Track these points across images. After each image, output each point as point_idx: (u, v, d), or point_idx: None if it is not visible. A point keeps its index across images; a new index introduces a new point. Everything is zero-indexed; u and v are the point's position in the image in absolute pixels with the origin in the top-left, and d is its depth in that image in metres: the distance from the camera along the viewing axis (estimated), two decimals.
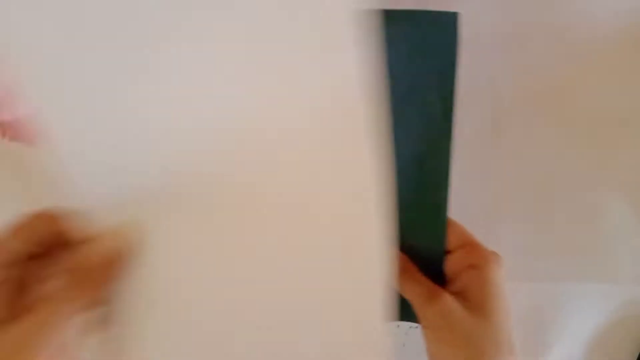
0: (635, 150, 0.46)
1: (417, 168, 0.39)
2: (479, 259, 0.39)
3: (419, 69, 0.38)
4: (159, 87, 0.22)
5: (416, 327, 0.44)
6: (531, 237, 0.46)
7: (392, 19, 0.36)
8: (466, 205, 0.45)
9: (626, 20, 0.47)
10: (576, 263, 0.46)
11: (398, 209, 0.35)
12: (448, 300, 0.38)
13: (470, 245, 0.39)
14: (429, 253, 0.39)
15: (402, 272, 0.40)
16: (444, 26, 0.38)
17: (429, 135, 0.39)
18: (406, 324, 0.46)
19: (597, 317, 0.46)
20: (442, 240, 0.40)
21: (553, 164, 0.46)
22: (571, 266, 0.46)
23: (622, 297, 0.46)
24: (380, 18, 0.35)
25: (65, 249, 0.29)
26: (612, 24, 0.47)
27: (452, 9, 0.46)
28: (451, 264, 0.40)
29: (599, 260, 0.46)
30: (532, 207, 0.46)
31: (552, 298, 0.46)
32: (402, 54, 0.37)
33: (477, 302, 0.38)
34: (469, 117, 0.47)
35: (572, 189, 0.46)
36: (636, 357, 0.46)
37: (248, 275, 0.27)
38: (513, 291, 0.46)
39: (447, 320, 0.38)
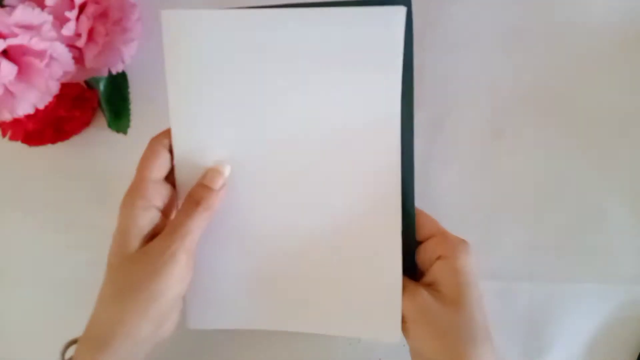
0: (635, 150, 0.46)
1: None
2: (448, 249, 0.38)
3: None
4: (296, 107, 0.38)
5: None
6: (531, 237, 0.46)
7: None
8: (466, 205, 0.45)
9: (626, 20, 0.47)
10: (576, 263, 0.46)
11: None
12: (424, 295, 0.38)
13: (440, 235, 0.39)
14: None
15: None
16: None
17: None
18: None
19: (597, 317, 0.46)
20: (412, 233, 0.40)
21: (553, 164, 0.46)
22: (571, 266, 0.46)
23: (622, 297, 0.46)
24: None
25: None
26: (612, 24, 0.47)
27: (452, 9, 0.47)
28: (422, 256, 0.40)
29: (599, 260, 0.46)
30: (532, 207, 0.46)
31: (552, 298, 0.46)
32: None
33: (449, 293, 0.38)
34: (469, 117, 0.47)
35: (572, 189, 0.46)
36: (636, 357, 0.46)
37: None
38: (513, 291, 0.46)
39: (424, 314, 0.38)
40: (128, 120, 0.47)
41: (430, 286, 0.39)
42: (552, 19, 0.47)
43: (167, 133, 0.39)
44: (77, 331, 0.46)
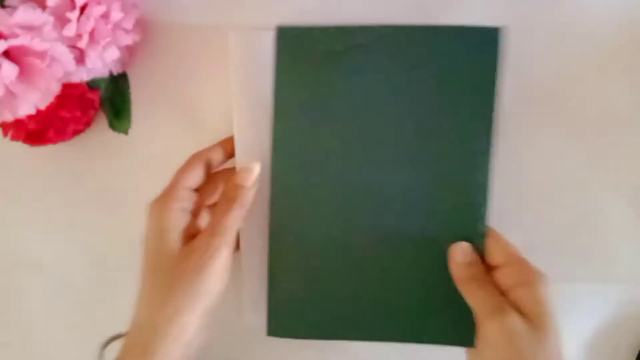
0: (636, 150, 0.46)
1: (456, 181, 0.42)
2: (529, 275, 0.38)
3: (458, 86, 0.40)
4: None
5: None
6: (531, 237, 0.46)
7: (432, 34, 0.41)
8: None
9: (626, 20, 0.47)
10: (576, 263, 0.46)
11: (441, 222, 0.42)
12: (513, 316, 0.37)
13: (519, 262, 0.39)
14: None
15: (475, 279, 0.40)
16: (483, 41, 0.40)
17: (469, 149, 0.42)
18: None
19: (596, 317, 0.46)
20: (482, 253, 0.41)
21: (553, 164, 0.46)
22: (571, 266, 0.46)
23: (621, 297, 0.46)
24: (425, 33, 0.41)
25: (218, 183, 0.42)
26: (612, 24, 0.47)
27: (452, 10, 0.46)
28: (500, 280, 0.40)
29: (599, 260, 0.46)
30: (532, 207, 0.46)
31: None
32: (441, 70, 0.41)
33: (534, 319, 0.37)
34: None
35: (572, 189, 0.46)
36: (635, 357, 0.46)
37: None
38: None
39: (509, 336, 0.37)
40: (129, 121, 0.47)
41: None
42: (552, 19, 0.47)
43: (208, 151, 0.42)
44: (78, 331, 0.46)
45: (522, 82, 0.47)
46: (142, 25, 0.45)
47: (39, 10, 0.36)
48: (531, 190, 0.46)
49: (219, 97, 0.47)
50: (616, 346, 0.46)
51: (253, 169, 0.41)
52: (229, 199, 0.40)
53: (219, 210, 0.39)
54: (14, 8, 0.36)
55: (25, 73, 0.37)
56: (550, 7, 0.47)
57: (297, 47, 0.41)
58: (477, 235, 0.41)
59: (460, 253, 0.41)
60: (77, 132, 0.46)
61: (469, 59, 0.40)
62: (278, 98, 0.41)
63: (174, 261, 0.37)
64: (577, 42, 0.47)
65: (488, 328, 0.38)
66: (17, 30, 0.36)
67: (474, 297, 0.39)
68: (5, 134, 0.44)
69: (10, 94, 0.37)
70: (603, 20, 0.47)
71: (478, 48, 0.40)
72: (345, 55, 0.41)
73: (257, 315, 0.44)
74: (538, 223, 0.46)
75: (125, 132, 0.47)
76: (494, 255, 0.41)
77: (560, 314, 0.46)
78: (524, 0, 0.47)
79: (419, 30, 0.41)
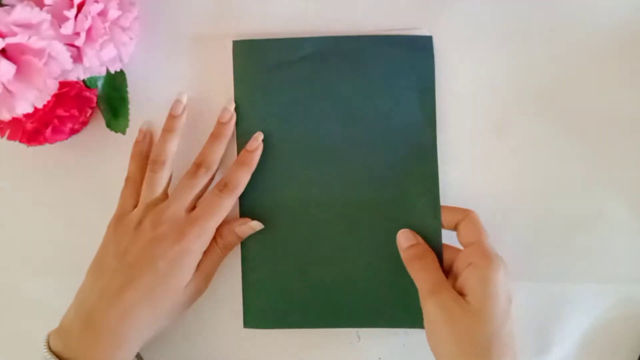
0: (635, 150, 0.46)
1: (408, 175, 0.45)
2: (480, 257, 0.39)
3: (402, 88, 0.45)
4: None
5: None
6: (531, 237, 0.46)
7: (374, 44, 0.46)
8: (466, 205, 0.45)
9: (626, 19, 0.47)
10: (576, 263, 0.46)
11: (398, 211, 0.45)
12: (450, 294, 0.39)
13: (478, 244, 0.40)
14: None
15: (418, 258, 0.42)
16: (421, 48, 0.46)
17: (416, 144, 0.45)
18: None
19: (596, 317, 0.46)
20: (438, 238, 0.44)
21: (553, 163, 0.46)
22: (571, 266, 0.46)
23: (621, 297, 0.46)
24: (364, 42, 0.45)
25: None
26: (612, 24, 0.47)
27: (452, 10, 0.46)
28: (458, 261, 0.41)
29: (598, 260, 0.46)
30: (532, 207, 0.46)
31: (552, 298, 0.46)
32: (386, 75, 0.45)
33: (475, 302, 0.38)
34: (469, 117, 0.46)
35: (572, 189, 0.46)
36: (636, 357, 0.46)
37: None
38: (513, 291, 0.46)
39: (445, 314, 0.38)
40: (126, 120, 0.46)
41: (460, 292, 0.39)
42: (553, 19, 0.47)
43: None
44: None
45: (522, 82, 0.47)
46: (140, 23, 0.44)
47: (36, 9, 0.36)
48: (531, 190, 0.46)
49: (216, 96, 0.46)
50: (616, 346, 0.46)
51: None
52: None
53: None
54: (12, 6, 0.35)
55: (22, 71, 0.37)
56: (550, 7, 0.47)
57: (251, 58, 0.46)
58: (431, 221, 0.44)
59: (404, 239, 0.44)
60: (74, 132, 0.46)
61: (410, 63, 0.45)
62: (238, 105, 0.46)
63: None
64: (576, 42, 0.47)
65: (428, 306, 0.40)
66: (15, 29, 0.35)
67: (418, 277, 0.42)
68: (2, 134, 0.43)
69: (7, 92, 0.37)
70: (603, 20, 0.47)
71: (417, 53, 0.45)
72: (295, 64, 0.45)
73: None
74: (538, 223, 0.46)
75: (123, 131, 0.46)
76: (463, 235, 0.42)
77: (560, 314, 0.46)
78: (524, 0, 0.47)
79: (362, 39, 0.45)
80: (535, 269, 0.46)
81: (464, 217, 0.42)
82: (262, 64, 0.46)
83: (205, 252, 0.43)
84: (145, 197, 0.43)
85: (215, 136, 0.45)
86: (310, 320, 0.45)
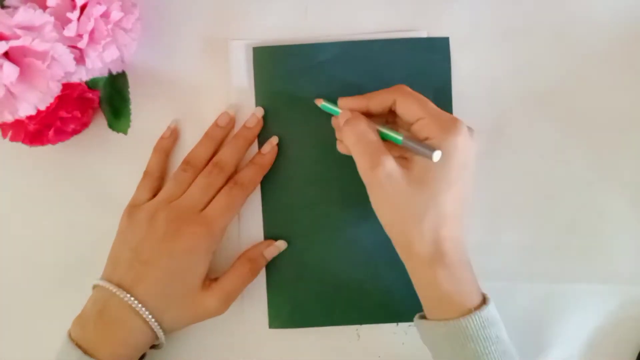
0: (636, 151, 0.47)
1: None
2: (434, 130, 0.38)
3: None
4: None
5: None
6: (531, 237, 0.46)
7: (391, 47, 0.46)
8: (467, 205, 0.45)
9: (626, 19, 0.47)
10: (576, 263, 0.46)
11: None
12: (390, 164, 0.38)
13: (428, 117, 0.39)
14: None
15: (354, 125, 0.40)
16: (438, 50, 0.46)
17: None
18: (405, 323, 0.46)
19: (596, 317, 0.46)
20: None
21: (553, 163, 0.47)
22: (571, 266, 0.46)
23: (621, 297, 0.46)
24: (381, 46, 0.46)
25: None
26: (612, 24, 0.47)
27: (452, 10, 0.47)
28: (412, 134, 0.40)
29: (598, 261, 0.46)
30: (532, 207, 0.47)
31: (552, 298, 0.46)
32: (404, 77, 0.45)
33: (417, 171, 0.38)
34: (469, 117, 0.46)
35: (572, 189, 0.47)
36: (635, 357, 0.46)
37: None
38: (513, 291, 0.46)
39: (389, 183, 0.38)
40: (128, 121, 0.47)
41: (405, 161, 0.40)
42: (553, 19, 0.47)
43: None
44: None
45: (523, 82, 0.47)
46: (142, 24, 0.44)
47: (39, 11, 0.36)
48: (531, 190, 0.47)
49: (217, 97, 0.47)
50: (616, 346, 0.46)
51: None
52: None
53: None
54: (15, 9, 0.35)
55: (25, 74, 0.37)
56: (550, 7, 0.47)
57: (271, 65, 0.46)
58: None
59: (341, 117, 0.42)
60: (76, 132, 0.46)
61: (427, 64, 0.46)
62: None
63: None
64: (577, 42, 0.47)
65: (367, 176, 0.39)
66: (18, 31, 0.35)
67: (355, 153, 0.40)
68: (4, 135, 0.43)
69: (10, 94, 0.37)
70: (603, 20, 0.47)
71: (434, 55, 0.46)
72: (314, 69, 0.46)
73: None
74: (538, 223, 0.47)
75: (125, 132, 0.47)
76: (405, 112, 0.40)
77: (561, 314, 0.46)
78: (524, 0, 0.47)
79: (379, 43, 0.46)
80: (535, 269, 0.46)
81: (398, 95, 0.40)
82: (283, 69, 0.46)
83: (232, 273, 0.44)
84: (166, 191, 0.44)
85: (237, 137, 0.46)
86: (332, 318, 0.46)
